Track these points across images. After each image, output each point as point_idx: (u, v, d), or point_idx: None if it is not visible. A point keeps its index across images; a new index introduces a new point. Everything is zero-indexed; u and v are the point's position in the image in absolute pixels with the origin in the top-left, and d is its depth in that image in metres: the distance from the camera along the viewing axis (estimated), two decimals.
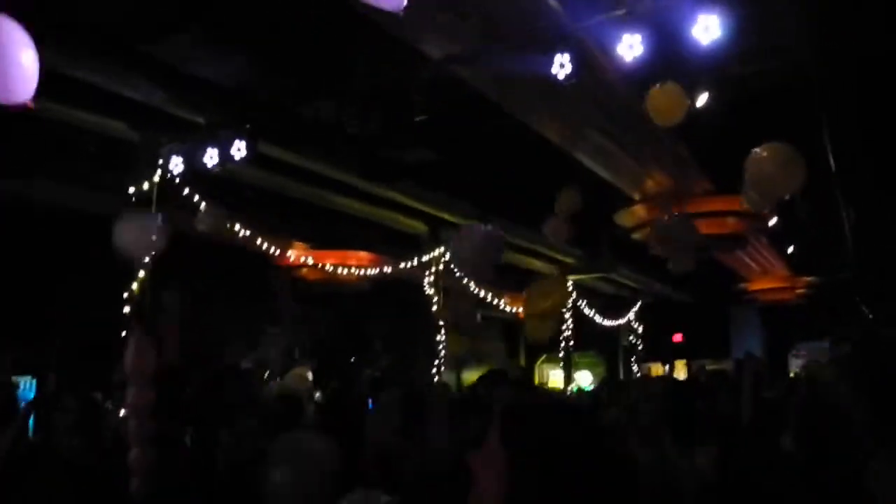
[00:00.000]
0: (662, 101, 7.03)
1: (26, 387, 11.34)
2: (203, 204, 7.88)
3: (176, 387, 4.65)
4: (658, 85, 6.82)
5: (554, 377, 19.55)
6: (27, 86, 3.38)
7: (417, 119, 6.21)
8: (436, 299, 12.22)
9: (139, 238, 6.90)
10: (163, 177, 7.56)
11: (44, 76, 6.48)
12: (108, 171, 8.27)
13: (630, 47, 5.21)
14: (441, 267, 12.30)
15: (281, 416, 4.47)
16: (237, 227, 8.94)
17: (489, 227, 7.84)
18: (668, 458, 3.22)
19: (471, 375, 14.87)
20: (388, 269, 12.38)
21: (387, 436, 2.83)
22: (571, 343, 16.38)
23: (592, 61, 5.75)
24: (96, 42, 6.39)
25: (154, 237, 6.93)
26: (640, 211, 11.04)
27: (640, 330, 19.90)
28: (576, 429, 1.78)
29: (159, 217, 7.08)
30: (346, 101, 6.25)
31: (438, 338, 12.05)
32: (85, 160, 8.49)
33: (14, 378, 11.22)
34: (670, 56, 5.47)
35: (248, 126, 6.88)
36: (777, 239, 14.22)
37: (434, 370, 11.85)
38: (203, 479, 3.67)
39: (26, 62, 3.41)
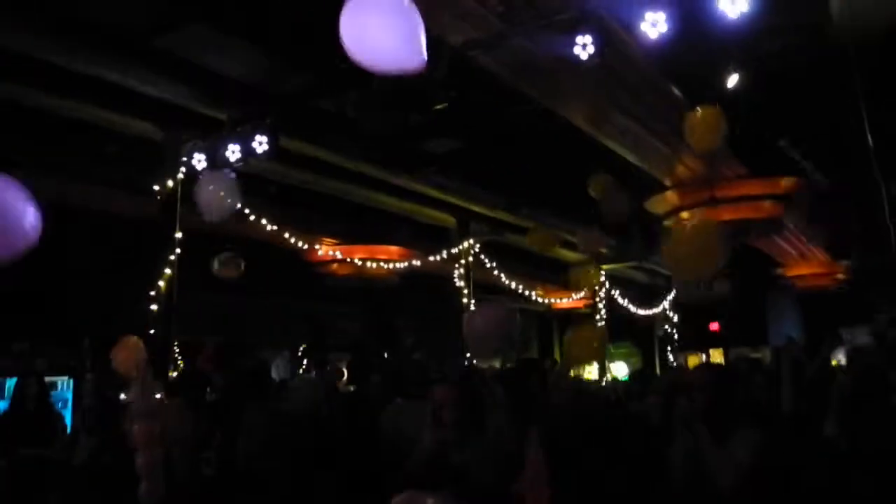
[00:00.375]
0: (700, 126, 6.88)
1: (64, 387, 11.46)
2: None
3: (199, 388, 4.57)
4: (697, 109, 6.68)
5: (589, 368, 19.35)
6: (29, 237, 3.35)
7: (437, 108, 6.09)
8: (465, 291, 12.12)
9: (218, 198, 6.95)
10: (187, 174, 7.56)
11: (63, 75, 6.56)
12: (134, 170, 8.28)
13: (654, 24, 5.04)
14: (470, 259, 12.22)
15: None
16: (264, 222, 8.87)
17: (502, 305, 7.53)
18: (704, 450, 3.06)
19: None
20: (417, 263, 12.30)
21: (437, 436, 2.66)
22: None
23: (616, 40, 5.58)
24: (114, 39, 6.37)
25: (231, 197, 6.98)
26: (672, 197, 10.82)
27: (676, 319, 19.59)
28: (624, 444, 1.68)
29: (235, 177, 7.16)
30: (365, 93, 6.16)
31: None
32: (110, 160, 8.51)
33: (51, 378, 11.38)
34: (696, 33, 5.29)
35: (268, 120, 6.83)
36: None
37: (466, 363, 11.73)
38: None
39: (27, 219, 3.36)
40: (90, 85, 6.72)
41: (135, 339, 7.17)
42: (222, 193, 6.95)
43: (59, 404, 9.84)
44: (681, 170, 10.10)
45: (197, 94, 7.11)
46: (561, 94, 7.04)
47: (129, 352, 7.11)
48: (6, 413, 8.13)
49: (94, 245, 9.88)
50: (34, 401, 7.90)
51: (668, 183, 10.62)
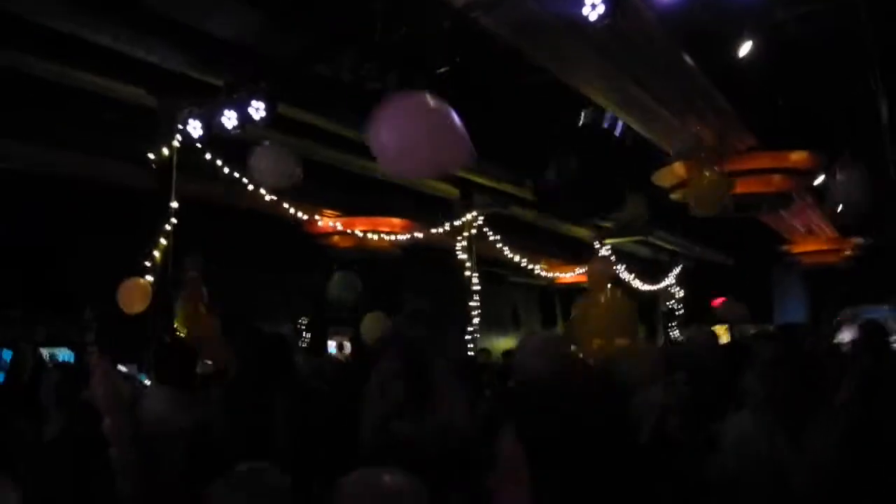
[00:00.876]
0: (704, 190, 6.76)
1: (62, 359, 11.37)
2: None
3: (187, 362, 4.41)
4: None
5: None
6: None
7: (439, 71, 5.88)
8: (468, 264, 11.97)
9: (276, 167, 6.79)
10: (182, 142, 7.39)
11: (53, 37, 6.37)
12: (130, 138, 8.10)
13: None
14: (474, 232, 12.06)
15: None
16: (262, 192, 8.67)
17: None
18: (780, 448, 2.79)
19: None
20: (419, 235, 12.13)
21: (387, 412, 2.57)
22: None
23: (628, 2, 5.36)
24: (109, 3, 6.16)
25: (293, 167, 6.80)
26: (678, 169, 10.59)
27: (680, 294, 19.46)
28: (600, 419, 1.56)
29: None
30: (365, 56, 5.96)
31: (472, 303, 11.82)
32: (105, 128, 8.33)
33: (50, 350, 11.30)
34: None
35: (265, 85, 6.64)
36: (824, 198, 13.68)
37: (468, 336, 11.64)
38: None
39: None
40: (81, 49, 6.53)
41: (142, 279, 7.07)
42: (283, 163, 6.79)
43: None
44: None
45: (192, 58, 6.90)
46: (567, 60, 6.81)
47: (136, 290, 7.02)
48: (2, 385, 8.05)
49: (94, 214, 9.74)
50: (30, 372, 7.82)
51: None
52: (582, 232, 15.58)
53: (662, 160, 10.55)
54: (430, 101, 3.05)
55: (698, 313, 19.46)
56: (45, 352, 10.97)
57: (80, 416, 3.47)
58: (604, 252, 13.56)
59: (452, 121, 2.99)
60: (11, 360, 8.43)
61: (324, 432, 3.35)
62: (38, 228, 9.86)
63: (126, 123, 8.07)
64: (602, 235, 15.59)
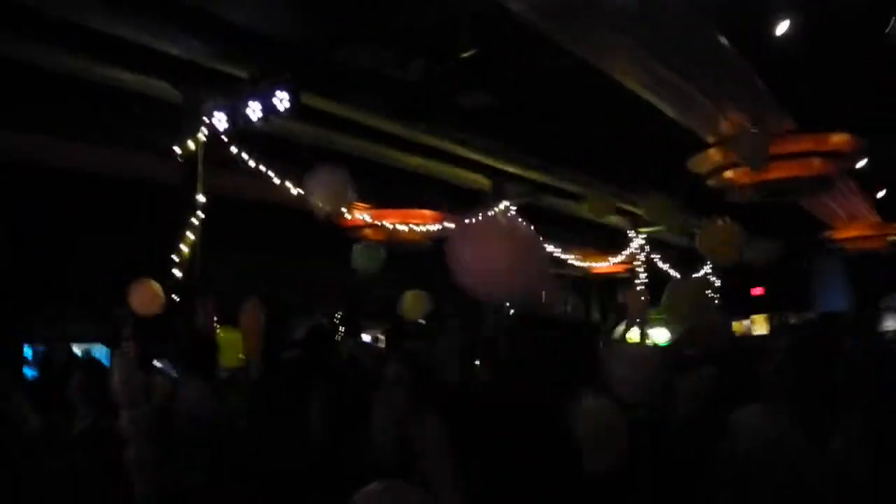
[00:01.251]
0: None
1: (96, 356, 11.46)
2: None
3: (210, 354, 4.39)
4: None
5: (629, 334, 18.97)
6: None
7: (464, 55, 5.73)
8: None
9: (331, 191, 6.72)
10: (208, 135, 7.33)
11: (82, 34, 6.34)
12: (157, 132, 8.07)
13: None
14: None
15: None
16: (289, 185, 8.57)
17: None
18: (792, 441, 2.63)
19: None
20: (451, 227, 11.99)
21: (396, 416, 2.51)
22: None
23: None
24: None
25: (347, 190, 6.76)
26: (714, 155, 10.34)
27: (718, 283, 19.06)
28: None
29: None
30: (388, 42, 5.83)
31: None
32: (134, 123, 8.31)
33: (85, 346, 11.39)
34: None
35: (289, 75, 6.55)
36: (867, 182, 13.33)
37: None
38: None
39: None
40: (103, 42, 6.49)
41: (152, 281, 7.05)
42: (335, 187, 6.72)
43: None
44: (724, 126, 9.62)
45: (216, 50, 6.83)
46: (597, 42, 6.63)
47: (147, 292, 7.00)
48: (35, 379, 8.11)
49: (128, 212, 9.76)
50: (61, 368, 7.87)
51: (710, 140, 10.15)
52: (617, 221, 15.34)
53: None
54: (516, 227, 3.11)
55: (736, 302, 19.16)
56: (79, 348, 11.10)
57: (107, 412, 3.44)
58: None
59: (536, 248, 3.01)
60: (43, 357, 8.51)
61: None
62: (73, 227, 9.91)
63: (152, 117, 8.04)
64: (636, 224, 15.35)
